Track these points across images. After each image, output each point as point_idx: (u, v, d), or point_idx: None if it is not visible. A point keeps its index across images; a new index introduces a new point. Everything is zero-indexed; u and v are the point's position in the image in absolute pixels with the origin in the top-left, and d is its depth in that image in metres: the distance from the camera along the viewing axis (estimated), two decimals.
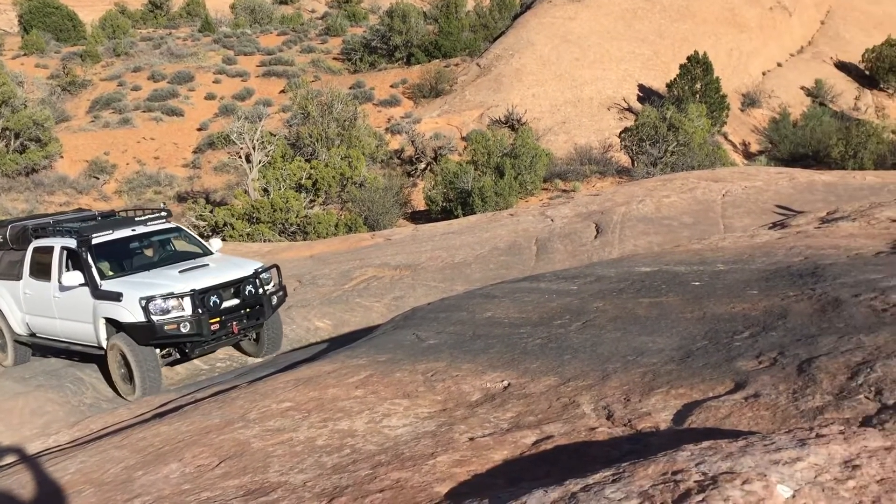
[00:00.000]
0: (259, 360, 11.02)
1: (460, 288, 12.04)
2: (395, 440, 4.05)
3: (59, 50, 55.22)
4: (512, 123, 37.26)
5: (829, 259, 6.35)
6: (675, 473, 2.44)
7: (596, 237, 15.16)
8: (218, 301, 10.17)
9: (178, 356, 10.72)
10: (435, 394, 4.74)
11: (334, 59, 52.52)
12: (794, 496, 2.22)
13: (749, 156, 37.65)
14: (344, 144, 31.14)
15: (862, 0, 53.56)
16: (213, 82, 48.50)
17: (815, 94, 43.54)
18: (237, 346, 11.56)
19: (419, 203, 31.91)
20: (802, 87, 44.22)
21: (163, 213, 11.71)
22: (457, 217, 25.12)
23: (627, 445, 3.46)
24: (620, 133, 32.84)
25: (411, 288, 13.42)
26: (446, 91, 42.80)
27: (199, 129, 42.62)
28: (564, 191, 30.41)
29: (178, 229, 11.90)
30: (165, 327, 9.75)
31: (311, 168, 28.29)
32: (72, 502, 4.32)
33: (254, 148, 29.65)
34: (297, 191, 27.50)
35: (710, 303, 5.57)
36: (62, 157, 39.01)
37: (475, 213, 24.48)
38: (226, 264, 11.02)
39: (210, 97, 46.25)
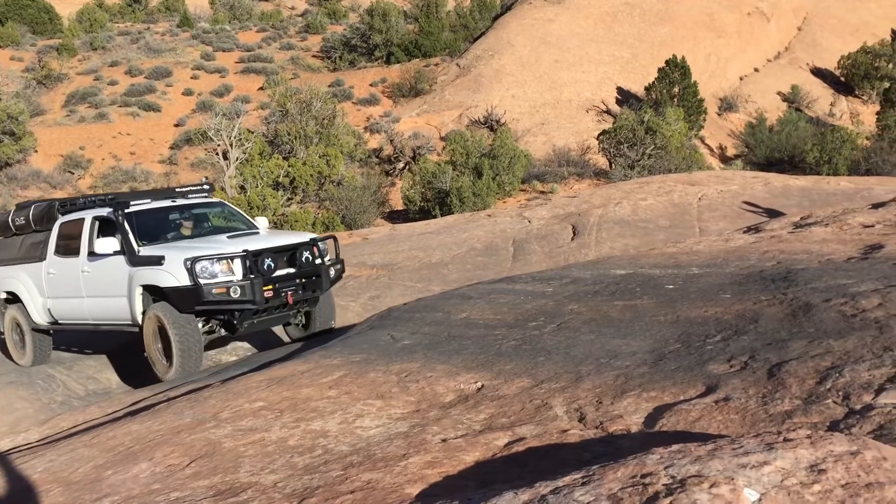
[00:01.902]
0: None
1: (437, 288, 12.03)
2: (367, 441, 4.04)
3: (35, 43, 54.57)
4: (491, 124, 37.28)
5: (802, 264, 6.41)
6: (643, 476, 2.45)
7: (573, 239, 15.21)
8: (272, 265, 8.96)
9: (222, 332, 9.52)
10: (408, 395, 4.73)
11: (314, 56, 52.35)
12: (760, 499, 2.24)
13: (725, 160, 37.94)
14: (322, 143, 31.04)
15: (839, 7, 54.11)
16: (192, 78, 48.15)
17: (792, 99, 43.98)
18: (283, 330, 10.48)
19: (397, 203, 31.85)
20: (779, 93, 44.63)
21: (205, 187, 10.81)
22: (434, 217, 25.10)
23: (599, 448, 3.47)
24: (599, 135, 32.97)
25: (388, 288, 13.39)
26: (426, 91, 42.77)
27: (177, 125, 42.30)
28: (542, 192, 30.48)
29: (221, 204, 10.95)
30: (213, 291, 8.56)
31: (289, 166, 28.18)
32: (39, 501, 4.27)
33: (231, 145, 29.47)
34: (274, 188, 27.39)
35: (683, 306, 5.61)
36: (36, 151, 38.56)
37: (453, 214, 24.49)
38: (277, 233, 10.05)
39: (188, 93, 45.92)
